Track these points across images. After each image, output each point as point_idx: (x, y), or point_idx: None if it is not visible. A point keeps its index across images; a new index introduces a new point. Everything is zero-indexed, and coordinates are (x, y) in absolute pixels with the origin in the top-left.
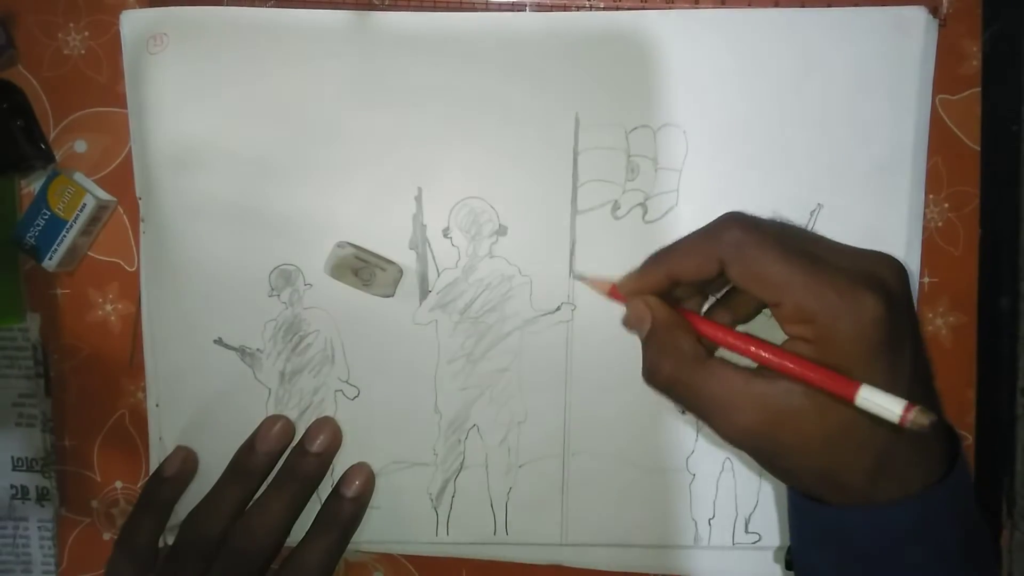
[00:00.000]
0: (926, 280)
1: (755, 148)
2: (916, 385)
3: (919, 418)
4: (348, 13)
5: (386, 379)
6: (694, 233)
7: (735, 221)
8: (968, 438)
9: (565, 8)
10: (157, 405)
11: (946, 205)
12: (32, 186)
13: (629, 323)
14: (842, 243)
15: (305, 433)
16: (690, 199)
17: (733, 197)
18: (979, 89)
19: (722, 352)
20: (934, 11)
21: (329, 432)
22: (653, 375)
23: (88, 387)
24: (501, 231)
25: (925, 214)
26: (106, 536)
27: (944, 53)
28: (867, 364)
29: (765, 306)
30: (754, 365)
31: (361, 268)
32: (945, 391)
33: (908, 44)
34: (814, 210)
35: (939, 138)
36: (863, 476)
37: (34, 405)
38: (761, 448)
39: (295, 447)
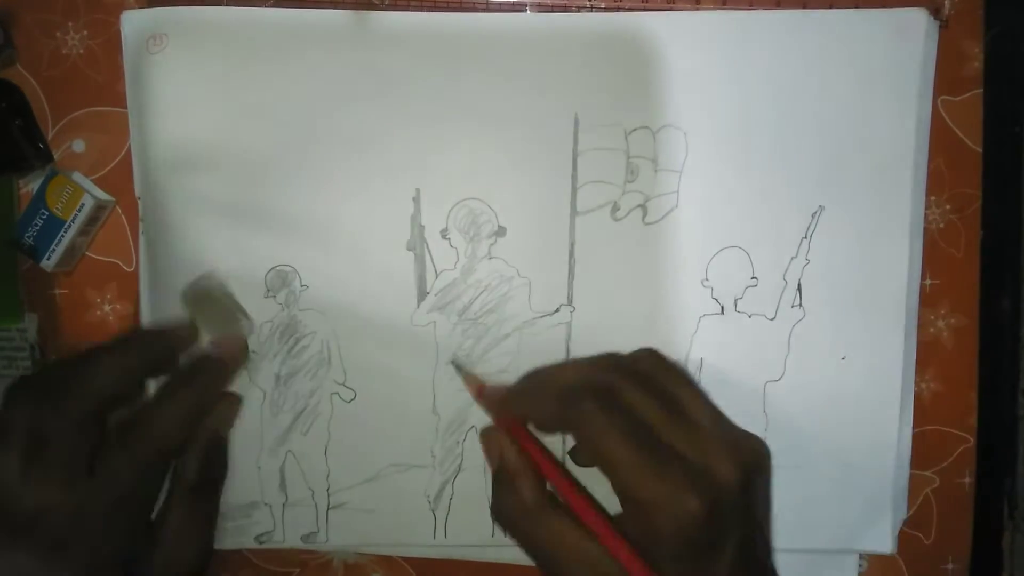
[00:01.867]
0: (927, 282)
1: (756, 150)
2: None
3: None
4: (348, 13)
5: (383, 381)
6: (560, 379)
7: (593, 388)
8: (970, 440)
9: (565, 9)
10: None
11: (948, 206)
12: (30, 186)
13: (484, 453)
14: (708, 418)
15: (213, 341)
16: (690, 201)
17: (733, 199)
18: (981, 90)
19: None
20: (935, 12)
21: (238, 341)
22: (496, 514)
23: None
24: (500, 232)
25: (926, 215)
26: None
27: (946, 54)
28: (677, 561)
29: None
30: None
31: (215, 309)
32: (947, 393)
33: (909, 46)
34: (815, 212)
35: (941, 139)
36: None
37: None
38: None
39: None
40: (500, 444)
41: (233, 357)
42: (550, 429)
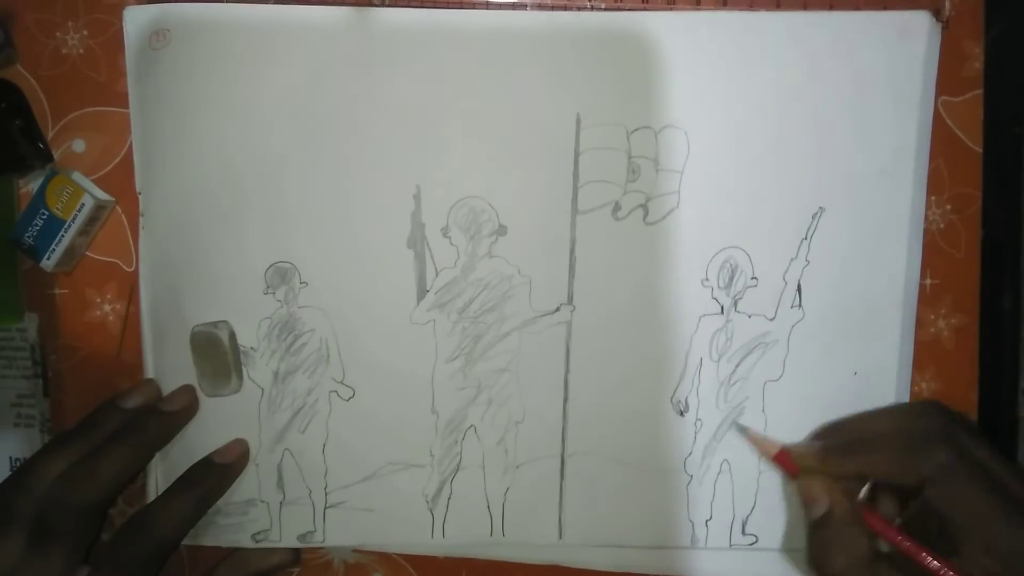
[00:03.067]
0: (928, 282)
1: (757, 150)
2: None
3: None
4: (349, 10)
5: (382, 379)
6: (892, 436)
7: (942, 439)
8: None
9: (566, 8)
10: None
11: (948, 207)
12: (30, 186)
13: (801, 497)
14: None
15: (166, 396)
16: (691, 201)
17: (734, 199)
18: (981, 91)
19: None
20: (936, 13)
21: (187, 396)
22: (822, 567)
23: (86, 388)
24: (501, 231)
25: (927, 216)
26: (104, 536)
27: (946, 55)
28: None
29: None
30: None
31: (215, 359)
32: (947, 393)
33: (911, 48)
34: (816, 213)
35: (941, 140)
36: None
37: (32, 406)
38: None
39: (150, 406)
40: (829, 492)
41: (235, 462)
42: (898, 482)
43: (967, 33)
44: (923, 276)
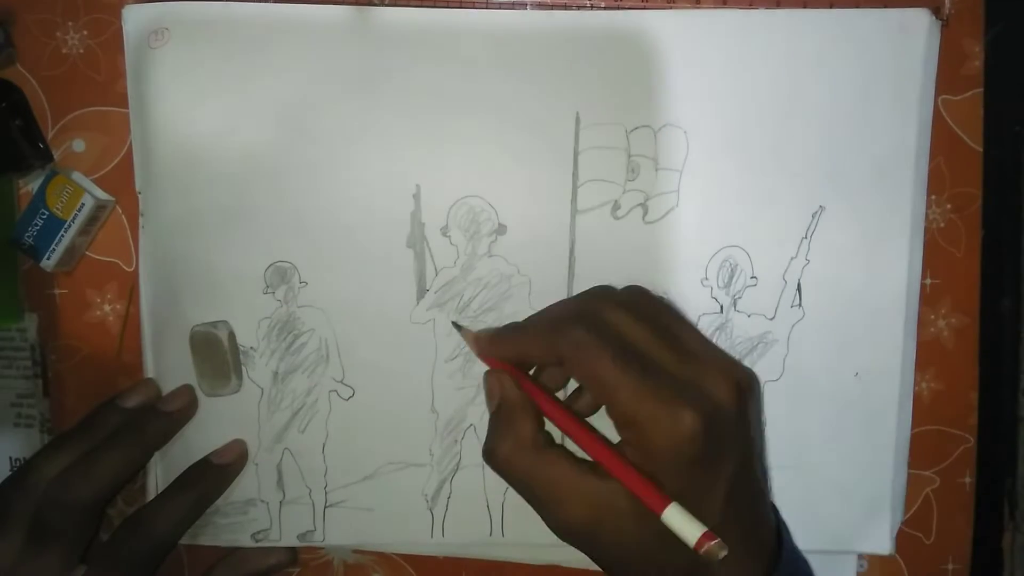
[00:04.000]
0: (928, 282)
1: (756, 149)
2: (733, 502)
3: (713, 550)
4: (349, 9)
5: (382, 379)
6: (548, 315)
7: (582, 318)
8: (970, 440)
9: (566, 7)
10: None
11: (948, 206)
12: (30, 185)
13: (485, 395)
14: (698, 344)
15: (165, 396)
16: (691, 200)
17: (733, 198)
18: (981, 89)
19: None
20: (936, 11)
21: (186, 396)
22: (489, 455)
23: (86, 388)
24: (500, 230)
25: (927, 215)
26: (104, 537)
27: (946, 53)
28: (678, 478)
29: None
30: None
31: (215, 359)
32: (947, 393)
33: (911, 46)
34: (816, 212)
35: (941, 139)
36: None
37: (32, 406)
38: (584, 544)
39: (150, 406)
40: (501, 383)
41: (232, 463)
42: (546, 362)
43: (967, 32)
44: (923, 276)
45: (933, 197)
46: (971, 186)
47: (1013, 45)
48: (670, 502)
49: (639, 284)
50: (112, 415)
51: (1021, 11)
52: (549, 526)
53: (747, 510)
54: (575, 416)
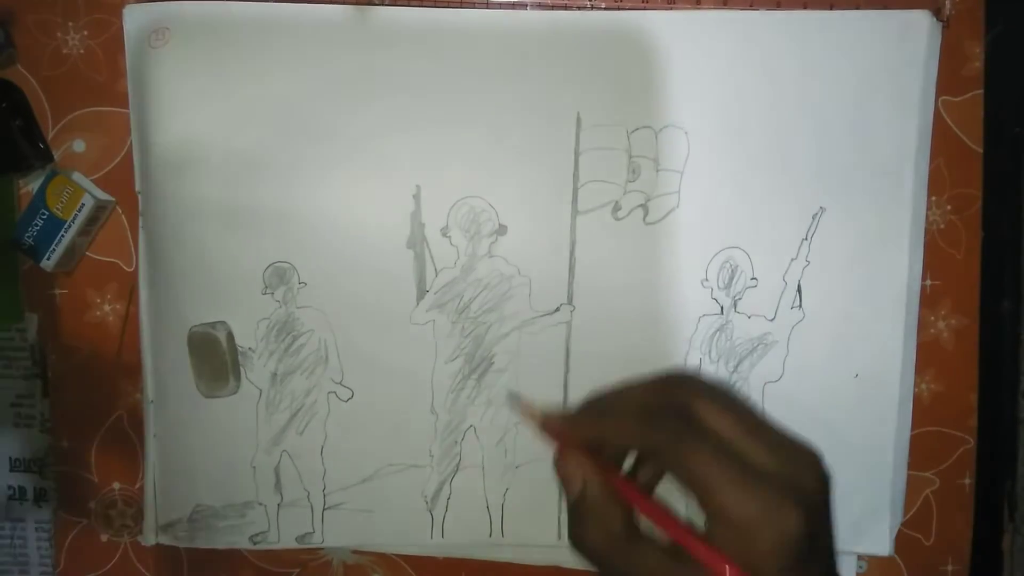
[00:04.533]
0: (928, 283)
1: (757, 150)
2: None
3: None
4: (349, 8)
5: (382, 380)
6: (632, 399)
7: (674, 408)
8: (970, 441)
9: (566, 7)
10: (152, 402)
11: (948, 207)
12: (30, 186)
13: (558, 479)
14: (782, 435)
15: None
16: (691, 201)
17: (734, 200)
18: (981, 91)
19: None
20: (937, 13)
21: None
22: (579, 543)
23: (86, 388)
24: (501, 231)
25: (927, 216)
26: (103, 538)
27: (946, 55)
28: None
29: None
30: None
31: (213, 360)
32: (947, 394)
33: (911, 47)
34: (816, 214)
35: (941, 140)
36: None
37: (32, 406)
38: None
39: None
40: (582, 469)
41: None
42: (634, 449)
43: (967, 33)
44: (923, 277)
45: (933, 198)
46: (971, 187)
47: (1013, 46)
48: None
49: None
50: None
51: (1021, 12)
52: None
53: None
54: (664, 507)
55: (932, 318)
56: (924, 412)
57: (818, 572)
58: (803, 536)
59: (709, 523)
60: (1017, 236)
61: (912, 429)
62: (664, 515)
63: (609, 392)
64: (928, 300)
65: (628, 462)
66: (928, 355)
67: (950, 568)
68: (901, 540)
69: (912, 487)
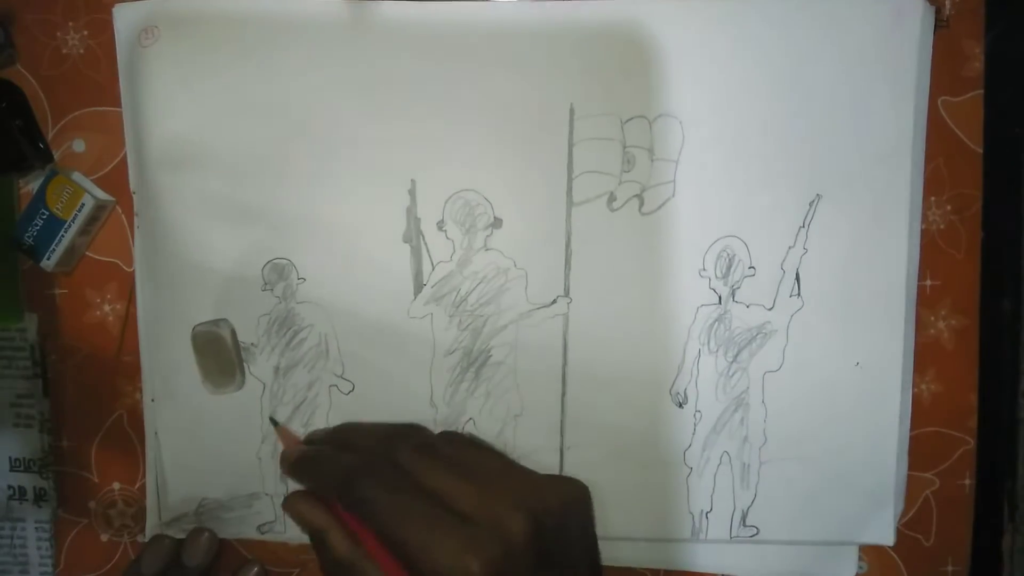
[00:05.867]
0: (928, 283)
1: (752, 138)
2: None
3: None
4: (341, 2)
5: (381, 373)
6: (343, 458)
7: (373, 475)
8: (970, 442)
9: None
10: (152, 400)
11: (948, 207)
12: (30, 185)
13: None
14: (500, 471)
15: (183, 547)
16: (687, 190)
17: (730, 188)
18: (982, 91)
19: None
20: (937, 12)
21: (206, 543)
22: (324, 570)
23: (86, 388)
24: (496, 223)
25: (927, 216)
26: (104, 538)
27: (946, 55)
28: None
29: None
30: None
31: (218, 356)
32: (947, 394)
33: (906, 33)
34: (812, 200)
35: (941, 140)
36: None
37: (32, 405)
38: None
39: (174, 563)
40: (300, 510)
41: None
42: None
43: (967, 33)
44: (923, 277)
45: (933, 199)
46: (971, 187)
47: (1013, 46)
48: None
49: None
50: None
51: (1021, 12)
52: None
53: None
54: (379, 541)
55: (932, 318)
56: (924, 412)
57: None
58: None
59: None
60: (1017, 236)
61: (912, 429)
62: (377, 547)
63: (335, 436)
64: (928, 300)
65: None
66: (928, 355)
67: (950, 568)
68: (901, 540)
69: (912, 487)
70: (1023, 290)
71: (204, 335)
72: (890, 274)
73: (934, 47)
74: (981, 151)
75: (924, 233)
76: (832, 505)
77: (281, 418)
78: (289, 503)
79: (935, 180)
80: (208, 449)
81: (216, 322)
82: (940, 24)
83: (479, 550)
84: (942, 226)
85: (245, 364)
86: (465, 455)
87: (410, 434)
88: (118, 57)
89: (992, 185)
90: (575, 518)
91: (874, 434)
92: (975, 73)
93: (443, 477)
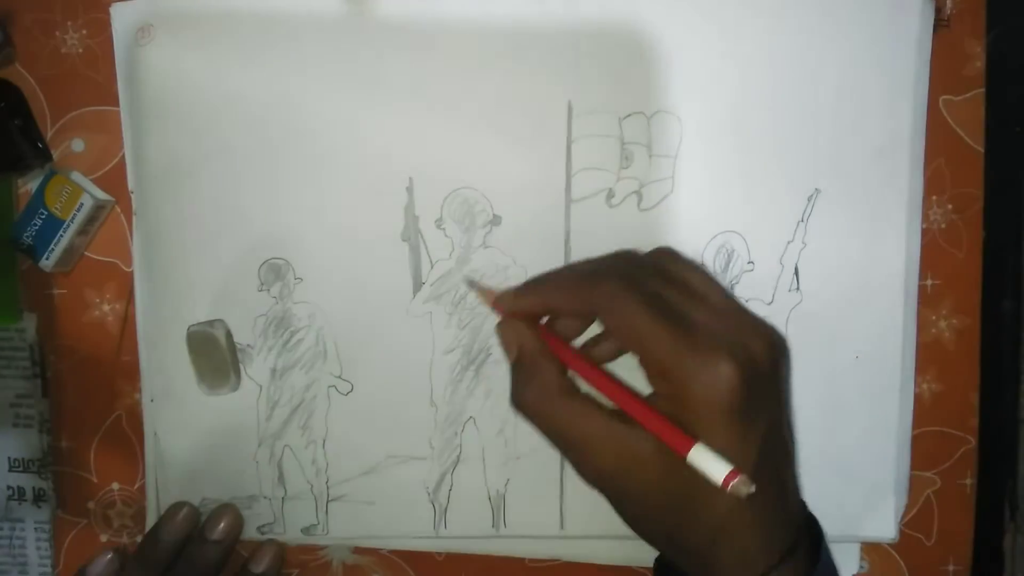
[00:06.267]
0: (929, 283)
1: (750, 133)
2: (765, 461)
3: (740, 486)
4: (339, 0)
5: (380, 373)
6: (577, 269)
7: (615, 272)
8: (971, 441)
9: None
10: (152, 400)
11: (949, 207)
12: (29, 185)
13: (501, 345)
14: (734, 305)
15: (206, 521)
16: (685, 186)
17: (728, 183)
18: (983, 90)
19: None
20: (937, 12)
21: (229, 519)
22: (517, 402)
23: (85, 388)
24: (495, 221)
25: (928, 216)
26: (103, 538)
27: (948, 54)
28: (713, 428)
29: None
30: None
31: (213, 357)
32: (948, 394)
33: (905, 26)
34: (811, 195)
35: (942, 139)
36: (702, 540)
37: (31, 406)
38: (612, 492)
39: (196, 535)
40: (518, 332)
41: (229, 532)
42: (576, 314)
43: (968, 32)
44: (924, 277)
45: (934, 198)
46: (972, 187)
47: (1015, 45)
48: (694, 442)
49: (667, 246)
50: (160, 551)
51: (1022, 11)
52: (579, 473)
53: (777, 473)
54: (596, 364)
55: (933, 318)
56: (925, 412)
57: (758, 439)
58: (735, 390)
59: (650, 382)
60: (1018, 236)
61: (913, 429)
62: (599, 374)
63: (561, 267)
64: (929, 300)
65: (581, 339)
66: (929, 355)
67: (951, 568)
68: (903, 540)
69: (913, 487)
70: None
71: (198, 335)
72: (888, 268)
73: (935, 46)
74: (982, 150)
75: (925, 232)
76: (833, 500)
77: (279, 420)
78: (504, 325)
79: (936, 179)
80: (207, 449)
81: (211, 322)
82: (941, 23)
83: (730, 354)
84: (943, 225)
85: (241, 365)
86: (697, 279)
87: (636, 254)
88: (116, 56)
89: (993, 184)
90: (788, 362)
91: (874, 428)
92: (976, 72)
93: (681, 294)
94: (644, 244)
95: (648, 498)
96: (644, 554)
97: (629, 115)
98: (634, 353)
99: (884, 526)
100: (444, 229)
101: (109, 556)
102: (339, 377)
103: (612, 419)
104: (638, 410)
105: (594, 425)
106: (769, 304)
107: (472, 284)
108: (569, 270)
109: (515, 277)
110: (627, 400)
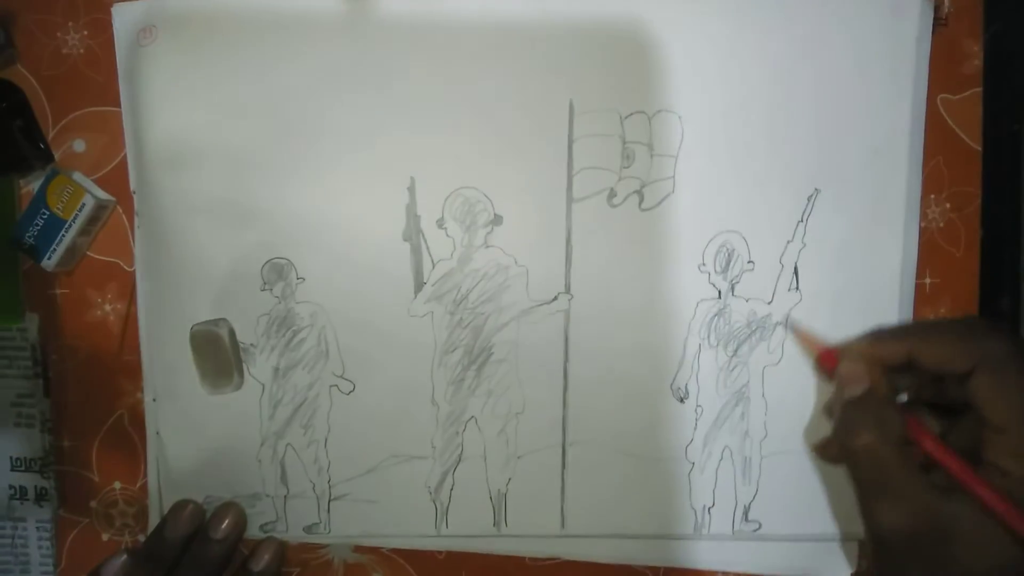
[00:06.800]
0: (927, 281)
1: (751, 133)
2: None
3: None
4: (340, 0)
5: (382, 373)
6: (946, 324)
7: (1001, 334)
8: None
9: None
10: (154, 400)
11: (947, 205)
12: (31, 185)
13: (841, 380)
14: None
15: (210, 519)
16: (686, 186)
17: (729, 183)
18: (980, 89)
19: None
20: (936, 10)
21: (233, 516)
22: (849, 438)
23: (87, 387)
24: (496, 220)
25: (926, 214)
26: (105, 537)
27: (945, 52)
28: None
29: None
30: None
31: (216, 356)
32: None
33: (903, 26)
34: (811, 195)
35: (940, 138)
36: None
37: (33, 405)
38: (895, 553)
39: (200, 533)
40: (868, 371)
41: (232, 530)
42: (946, 367)
43: (966, 31)
44: (922, 275)
45: (932, 196)
46: (970, 185)
47: (1012, 44)
48: None
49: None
50: (166, 549)
51: (1020, 10)
52: (870, 520)
53: None
54: (948, 446)
55: (931, 316)
56: None
57: None
58: None
59: (998, 458)
60: (1016, 234)
61: None
62: (938, 443)
63: (908, 323)
64: (927, 298)
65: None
66: None
67: None
68: None
69: None
70: (1022, 287)
71: (202, 335)
72: (888, 266)
73: (933, 45)
74: (980, 149)
75: (923, 231)
76: (834, 498)
77: (282, 419)
78: (853, 365)
79: (934, 178)
80: (209, 449)
81: (215, 322)
82: (939, 22)
83: None
84: (941, 224)
85: (244, 364)
86: None
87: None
88: (117, 57)
89: (991, 183)
90: None
91: None
92: (974, 71)
93: None
94: (645, 244)
95: (947, 568)
96: (644, 554)
97: (631, 114)
98: (995, 424)
99: None
100: (445, 229)
101: (123, 557)
102: (341, 376)
103: (934, 490)
104: (985, 490)
105: (910, 483)
106: (769, 304)
107: (796, 328)
108: (932, 326)
109: (517, 276)
110: (971, 477)
